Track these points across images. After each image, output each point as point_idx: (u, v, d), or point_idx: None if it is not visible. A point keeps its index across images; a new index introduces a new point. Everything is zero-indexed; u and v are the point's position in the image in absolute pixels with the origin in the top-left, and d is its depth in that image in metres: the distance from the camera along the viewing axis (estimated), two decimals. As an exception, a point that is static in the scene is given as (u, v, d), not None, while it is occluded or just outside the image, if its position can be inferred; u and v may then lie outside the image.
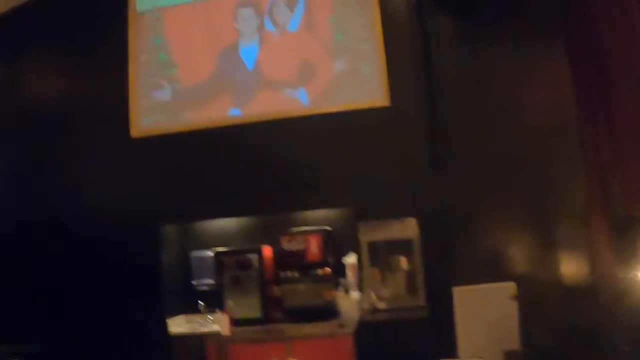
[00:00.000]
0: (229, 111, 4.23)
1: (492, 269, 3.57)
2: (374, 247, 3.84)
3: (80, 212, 4.44)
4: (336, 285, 3.92)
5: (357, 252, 3.86)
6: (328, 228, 4.00)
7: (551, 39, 3.71)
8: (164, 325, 4.08)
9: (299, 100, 4.18)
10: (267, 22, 4.28)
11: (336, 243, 4.03)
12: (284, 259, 3.88)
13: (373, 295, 3.70)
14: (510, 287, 2.93)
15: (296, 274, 3.79)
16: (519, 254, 3.67)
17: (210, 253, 4.22)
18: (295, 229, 3.98)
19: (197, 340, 3.75)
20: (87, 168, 4.56)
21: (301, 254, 3.86)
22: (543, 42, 3.75)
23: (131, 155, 4.38)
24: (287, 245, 3.89)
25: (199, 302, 4.20)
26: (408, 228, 3.78)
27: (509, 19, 3.84)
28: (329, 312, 3.67)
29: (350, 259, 3.96)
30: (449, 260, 3.68)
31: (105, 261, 4.35)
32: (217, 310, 3.86)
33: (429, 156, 3.84)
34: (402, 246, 3.77)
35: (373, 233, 3.87)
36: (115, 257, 4.30)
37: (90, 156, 4.54)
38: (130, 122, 4.31)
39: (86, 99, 4.56)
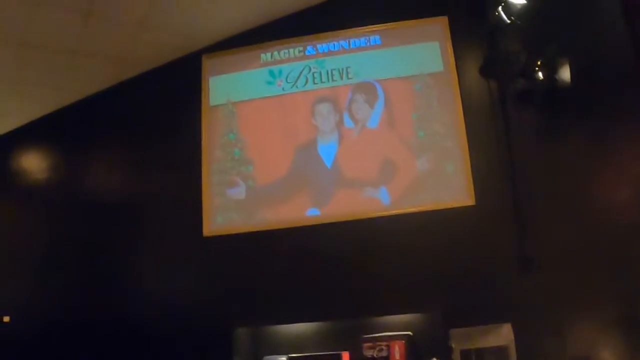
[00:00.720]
0: (308, 211, 4.74)
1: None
2: (466, 355, 4.08)
3: (147, 312, 4.95)
4: (421, 395, 4.57)
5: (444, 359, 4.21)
6: (410, 333, 4.34)
7: (634, 135, 4.29)
8: None
9: (379, 200, 4.63)
10: (346, 118, 4.82)
11: (418, 350, 4.35)
12: (365, 366, 4.48)
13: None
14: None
15: (376, 382, 4.47)
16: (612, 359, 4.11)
17: (284, 359, 4.60)
18: (376, 335, 4.33)
19: None
20: (155, 266, 5.05)
21: (384, 361, 4.56)
22: (628, 139, 4.27)
23: (203, 254, 4.86)
24: (368, 351, 4.29)
25: (275, 412, 4.91)
26: (503, 334, 4.06)
27: (591, 115, 4.37)
28: None
29: (434, 367, 4.61)
30: (542, 367, 4.41)
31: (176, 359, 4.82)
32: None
33: (519, 258, 4.30)
34: (496, 354, 4.02)
35: (467, 340, 4.12)
36: (186, 357, 4.67)
37: (159, 254, 5.06)
38: (203, 220, 4.83)
39: (157, 194, 5.14)
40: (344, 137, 4.85)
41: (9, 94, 5.53)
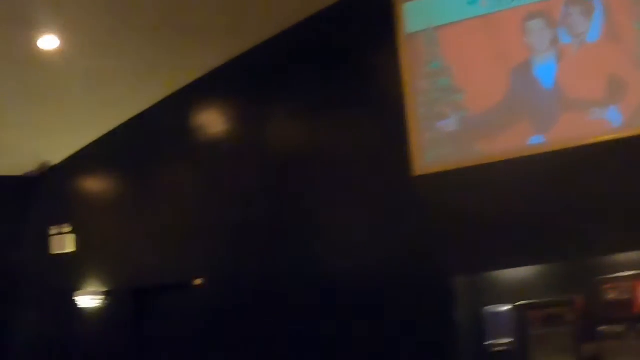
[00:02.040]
0: (530, 139, 5.56)
1: None
2: None
3: (350, 267, 6.00)
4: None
5: None
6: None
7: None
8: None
9: (608, 121, 5.19)
10: (561, 34, 5.55)
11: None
12: (604, 311, 4.92)
13: None
14: None
15: (621, 329, 4.82)
16: None
17: (508, 308, 5.41)
18: (616, 275, 4.99)
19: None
20: (359, 216, 6.10)
21: (627, 304, 4.92)
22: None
23: (413, 196, 5.83)
24: (609, 294, 4.98)
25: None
26: None
27: None
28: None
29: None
30: None
31: (385, 322, 5.83)
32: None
33: None
34: None
35: None
36: (397, 317, 5.76)
37: (362, 202, 6.07)
38: (412, 159, 5.82)
39: (350, 137, 6.16)
40: (563, 54, 5.38)
41: (186, 43, 6.87)
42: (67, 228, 8.87)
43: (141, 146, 8.37)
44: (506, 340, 5.36)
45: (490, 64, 5.85)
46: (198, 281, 7.21)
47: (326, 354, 6.13)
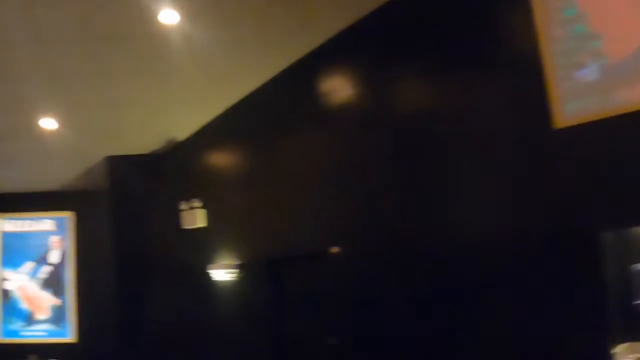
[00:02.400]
0: None
1: None
2: None
3: (488, 226, 6.30)
4: None
5: None
6: None
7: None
8: (609, 357, 5.48)
9: None
10: None
11: None
12: None
13: None
14: None
15: None
16: None
17: None
18: None
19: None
20: (495, 174, 6.35)
21: None
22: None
23: (553, 151, 6.04)
24: None
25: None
26: None
27: None
28: None
29: None
30: None
31: (529, 281, 6.05)
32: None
33: None
34: None
35: None
36: (541, 276, 5.96)
37: (499, 159, 6.31)
38: (551, 112, 6.01)
39: (477, 97, 6.38)
40: None
41: (311, 5, 7.21)
42: (197, 203, 9.67)
43: (267, 117, 8.91)
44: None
45: (628, 6, 5.92)
46: (334, 249, 7.61)
47: (467, 318, 6.42)
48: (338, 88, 7.90)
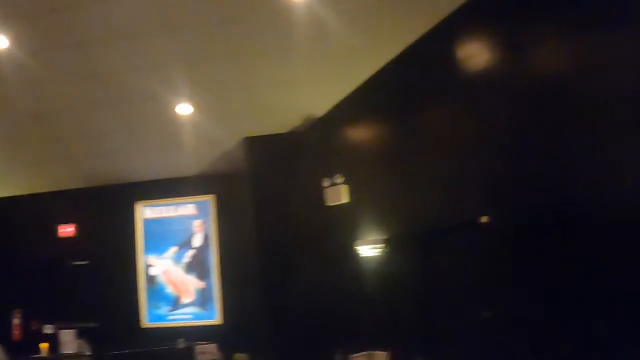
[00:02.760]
0: None
1: None
2: None
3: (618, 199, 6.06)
4: None
5: None
6: None
7: None
8: None
9: None
10: None
11: None
12: None
13: None
14: None
15: None
16: None
17: None
18: None
19: None
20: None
21: None
22: None
23: None
24: None
25: None
26: None
27: None
28: None
29: None
30: None
31: None
32: None
33: None
34: None
35: None
36: None
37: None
38: None
39: (628, 53, 6.09)
40: None
41: None
42: (339, 179, 10.14)
43: (404, 88, 9.19)
44: None
45: None
46: (484, 219, 7.80)
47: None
48: (475, 54, 7.97)
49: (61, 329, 11.29)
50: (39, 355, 10.36)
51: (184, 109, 10.56)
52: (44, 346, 10.99)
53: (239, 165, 11.91)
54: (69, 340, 11.15)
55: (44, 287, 13.81)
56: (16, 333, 13.62)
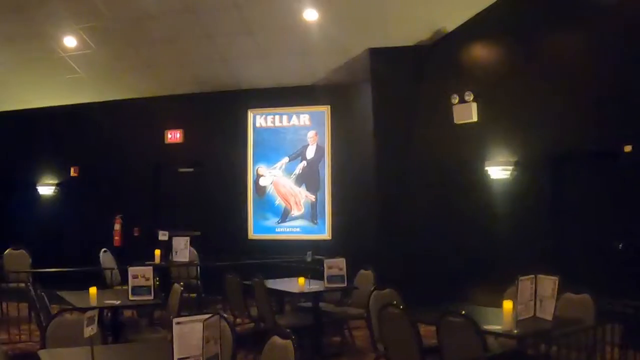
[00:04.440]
0: None
1: None
2: None
3: None
4: None
5: None
6: None
7: None
8: None
9: None
10: None
11: None
12: None
13: None
14: None
15: None
16: None
17: None
18: None
19: None
20: None
21: None
22: None
23: None
24: None
25: None
26: None
27: None
28: None
29: None
30: None
31: None
32: None
33: None
34: None
35: None
36: None
37: None
38: None
39: None
40: None
41: None
42: (468, 96, 11.14)
43: (543, 6, 10.24)
44: None
45: None
46: (627, 148, 8.65)
47: None
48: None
49: (174, 236, 12.04)
50: (152, 262, 11.16)
51: (310, 14, 11.34)
52: (157, 252, 11.95)
53: (358, 77, 12.72)
54: (182, 248, 11.87)
55: (149, 193, 15.20)
56: (117, 239, 15.00)
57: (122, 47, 13.03)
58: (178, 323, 4.41)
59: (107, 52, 13.10)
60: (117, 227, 15.13)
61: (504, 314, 6.22)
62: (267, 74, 13.65)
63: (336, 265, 9.21)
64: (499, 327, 6.10)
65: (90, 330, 4.67)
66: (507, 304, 6.25)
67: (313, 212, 14.14)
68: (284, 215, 14.33)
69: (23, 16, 11.49)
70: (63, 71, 13.79)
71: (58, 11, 11.35)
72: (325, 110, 14.12)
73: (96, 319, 4.79)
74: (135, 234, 15.00)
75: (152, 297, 7.94)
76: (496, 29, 10.77)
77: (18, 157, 15.94)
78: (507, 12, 10.43)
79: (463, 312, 5.93)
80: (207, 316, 4.44)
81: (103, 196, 15.24)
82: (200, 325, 4.36)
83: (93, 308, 5.84)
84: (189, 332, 4.36)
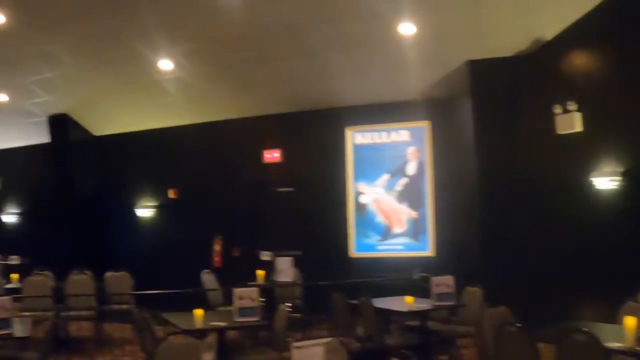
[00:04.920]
0: None
1: None
2: None
3: None
4: None
5: None
6: None
7: None
8: None
9: None
10: None
11: None
12: None
13: None
14: None
15: None
16: None
17: None
18: None
19: None
20: None
21: None
22: None
23: None
24: None
25: None
26: None
27: None
28: None
29: None
30: None
31: None
32: None
33: None
34: None
35: None
36: None
37: None
38: None
39: None
40: None
41: None
42: (572, 106, 11.28)
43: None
44: None
45: None
46: None
47: None
48: None
49: (278, 256, 12.55)
50: (254, 283, 11.58)
51: (406, 28, 11.58)
52: (260, 273, 12.43)
53: (457, 90, 13.06)
54: (285, 268, 12.27)
55: (247, 213, 15.72)
56: (217, 260, 15.65)
57: (218, 68, 13.69)
58: (298, 347, 4.57)
59: (202, 73, 13.75)
60: (216, 247, 15.76)
61: (627, 331, 6.23)
62: (364, 90, 13.98)
63: (444, 282, 9.40)
64: (621, 345, 6.09)
65: (208, 357, 4.95)
66: (630, 320, 6.23)
67: (415, 229, 14.53)
68: (385, 233, 14.70)
69: (119, 41, 12.33)
70: (158, 94, 14.60)
71: (154, 35, 12.05)
72: (424, 125, 14.58)
73: (214, 344, 5.06)
74: (235, 254, 15.67)
75: (258, 318, 8.22)
76: (598, 35, 10.84)
77: (116, 181, 16.90)
78: (608, 17, 10.57)
79: (586, 329, 5.87)
80: (326, 339, 4.68)
81: (202, 217, 15.89)
82: (320, 349, 4.56)
83: (200, 330, 6.39)
84: (308, 356, 4.55)
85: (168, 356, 5.98)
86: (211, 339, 4.95)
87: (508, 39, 11.92)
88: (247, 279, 11.49)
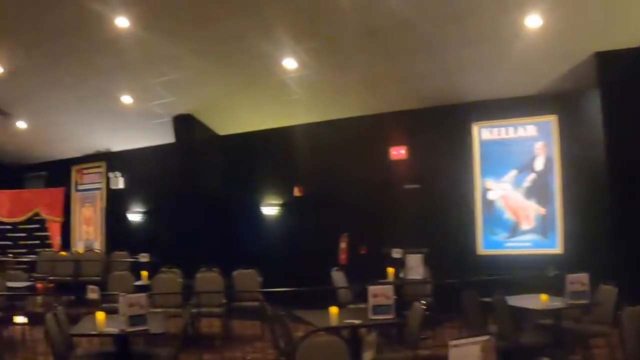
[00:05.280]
0: None
1: None
2: None
3: None
4: None
5: None
6: None
7: None
8: None
9: None
10: None
11: None
12: None
13: None
14: None
15: None
16: None
17: None
18: None
19: None
20: None
21: None
22: None
23: None
24: None
25: None
26: None
27: None
28: None
29: None
30: None
31: None
32: None
33: None
34: None
35: None
36: None
37: None
38: None
39: None
40: None
41: None
42: None
43: None
44: None
45: None
46: None
47: None
48: None
49: (408, 253, 12.74)
50: (384, 280, 11.87)
51: (532, 21, 11.73)
52: (390, 270, 12.67)
53: (585, 83, 13.19)
54: (416, 266, 12.41)
55: (373, 211, 16.08)
56: (342, 257, 15.99)
57: (342, 66, 14.07)
58: (455, 346, 4.66)
59: (327, 71, 14.18)
60: (343, 245, 16.13)
61: None
62: (490, 85, 14.19)
63: (578, 280, 9.43)
64: None
65: (369, 355, 5.26)
66: None
67: (543, 226, 14.63)
68: (513, 230, 14.92)
69: (243, 42, 12.88)
70: (282, 93, 15.14)
71: (277, 35, 12.51)
72: (551, 119, 14.70)
73: (374, 343, 5.29)
74: (361, 252, 16.08)
75: (393, 316, 8.35)
76: None
77: (241, 179, 17.57)
78: None
79: None
80: (483, 338, 4.73)
81: (327, 215, 16.39)
82: (476, 348, 4.65)
83: (335, 328, 6.63)
84: (464, 354, 4.65)
85: (310, 354, 6.07)
86: (371, 338, 5.30)
87: (636, 29, 11.92)
88: (374, 276, 11.71)
